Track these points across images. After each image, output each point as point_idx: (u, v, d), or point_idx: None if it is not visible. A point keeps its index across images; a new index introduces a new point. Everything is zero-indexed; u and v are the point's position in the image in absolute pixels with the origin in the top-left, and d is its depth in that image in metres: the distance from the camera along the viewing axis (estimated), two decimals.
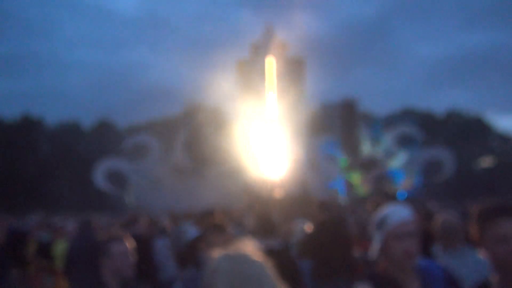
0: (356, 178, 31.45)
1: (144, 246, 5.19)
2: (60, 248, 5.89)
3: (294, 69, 32.05)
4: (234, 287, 1.34)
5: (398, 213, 1.88)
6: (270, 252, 3.80)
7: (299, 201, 20.19)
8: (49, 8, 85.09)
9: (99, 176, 30.46)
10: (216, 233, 2.86)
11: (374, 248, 1.88)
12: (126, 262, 2.24)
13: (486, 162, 40.07)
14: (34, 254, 5.11)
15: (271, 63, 31.78)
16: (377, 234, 1.88)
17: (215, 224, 3.10)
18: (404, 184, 31.24)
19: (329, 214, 5.34)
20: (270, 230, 4.00)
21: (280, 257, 3.82)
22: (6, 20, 74.40)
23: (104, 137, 35.74)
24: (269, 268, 1.41)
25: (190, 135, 32.48)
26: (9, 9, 76.20)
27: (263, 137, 30.22)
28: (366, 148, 32.07)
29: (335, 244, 5.05)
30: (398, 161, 31.44)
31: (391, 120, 33.88)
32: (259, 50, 32.18)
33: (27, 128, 39.05)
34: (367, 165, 31.80)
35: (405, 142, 32.00)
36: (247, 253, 1.43)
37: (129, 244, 2.26)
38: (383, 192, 29.42)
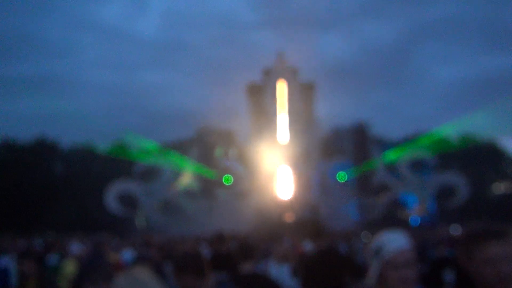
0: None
1: (154, 270, 5.18)
2: (69, 269, 5.91)
3: (306, 93, 32.24)
4: None
5: (395, 241, 1.86)
6: None
7: (309, 224, 20.04)
8: (68, 30, 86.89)
9: (111, 198, 30.62)
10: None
11: (371, 276, 1.86)
12: None
13: (500, 187, 39.47)
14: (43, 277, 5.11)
15: (282, 87, 32.05)
16: (374, 262, 1.86)
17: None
18: (417, 209, 30.85)
19: (325, 242, 5.20)
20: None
21: None
22: (25, 42, 75.95)
23: (117, 160, 36.05)
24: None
25: (201, 157, 32.63)
26: (28, 30, 77.96)
27: (274, 160, 30.23)
28: (378, 172, 31.83)
29: (329, 275, 4.89)
30: (411, 186, 31.12)
31: (404, 144, 33.67)
32: (271, 75, 32.52)
33: (42, 151, 39.58)
34: (379, 189, 31.53)
35: (418, 166, 31.73)
36: (144, 275, 1.78)
37: None
38: (395, 218, 29.09)
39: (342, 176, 30.67)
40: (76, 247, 8.02)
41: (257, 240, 11.87)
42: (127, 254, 8.33)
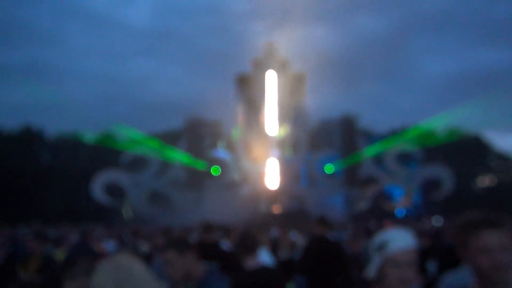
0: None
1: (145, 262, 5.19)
2: (58, 258, 5.90)
3: (295, 84, 32.20)
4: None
5: (400, 239, 1.83)
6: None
7: (296, 215, 20.16)
8: (56, 17, 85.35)
9: (98, 188, 30.44)
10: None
11: (371, 269, 1.84)
12: None
13: (484, 181, 40.08)
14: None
15: (272, 78, 32.01)
16: (376, 257, 1.83)
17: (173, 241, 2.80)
18: (402, 201, 31.20)
19: (327, 229, 5.28)
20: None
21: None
22: (12, 29, 74.44)
23: (104, 150, 35.80)
24: (147, 273, 1.79)
25: (190, 148, 32.54)
26: (15, 17, 76.31)
27: (262, 151, 30.27)
28: (365, 164, 32.07)
29: (332, 262, 4.96)
30: (397, 178, 31.42)
31: (391, 137, 33.94)
32: (260, 65, 32.42)
33: (28, 140, 39.09)
34: (366, 181, 31.79)
35: (404, 159, 32.03)
36: (128, 261, 1.78)
37: None
38: (381, 210, 29.41)
39: (329, 168, 30.87)
40: (64, 236, 8.01)
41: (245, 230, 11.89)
42: (110, 244, 8.33)
